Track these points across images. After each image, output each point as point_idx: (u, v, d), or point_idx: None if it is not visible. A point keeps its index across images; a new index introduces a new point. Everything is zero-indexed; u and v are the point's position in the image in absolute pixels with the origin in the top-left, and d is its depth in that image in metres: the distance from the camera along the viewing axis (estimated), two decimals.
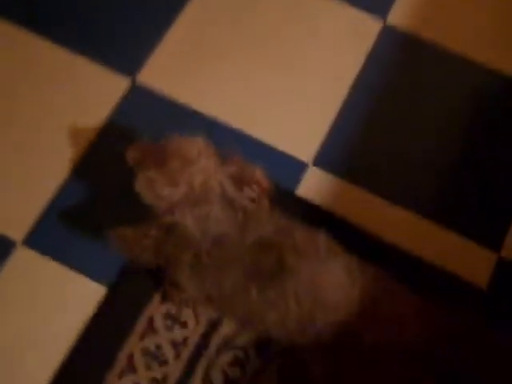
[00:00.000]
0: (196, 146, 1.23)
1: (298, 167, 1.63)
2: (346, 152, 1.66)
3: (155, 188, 1.19)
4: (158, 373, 1.41)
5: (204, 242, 1.22)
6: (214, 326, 1.45)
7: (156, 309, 1.46)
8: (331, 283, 1.24)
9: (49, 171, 1.60)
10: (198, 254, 1.24)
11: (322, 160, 1.65)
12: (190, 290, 1.32)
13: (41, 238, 1.53)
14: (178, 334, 1.44)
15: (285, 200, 1.55)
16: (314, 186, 1.62)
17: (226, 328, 1.44)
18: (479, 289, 1.50)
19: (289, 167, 1.63)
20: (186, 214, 1.19)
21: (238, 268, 1.24)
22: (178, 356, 1.42)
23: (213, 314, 1.45)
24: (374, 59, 1.76)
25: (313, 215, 1.56)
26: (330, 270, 1.25)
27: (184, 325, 1.45)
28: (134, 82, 1.70)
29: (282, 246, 1.24)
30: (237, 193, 1.25)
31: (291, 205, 1.56)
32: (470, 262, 1.54)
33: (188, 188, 1.19)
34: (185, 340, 1.44)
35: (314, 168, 1.64)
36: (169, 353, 1.42)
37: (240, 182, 1.26)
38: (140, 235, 1.24)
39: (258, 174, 1.29)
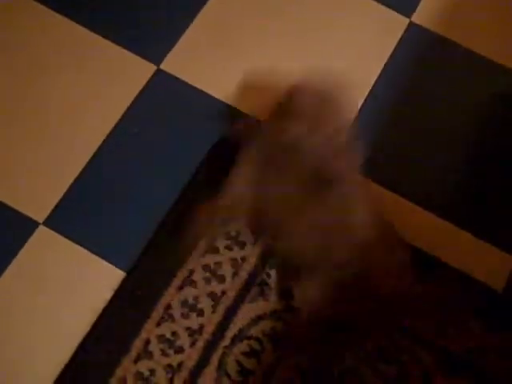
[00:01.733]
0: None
1: None
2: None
3: None
4: (173, 360, 1.42)
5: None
6: (230, 315, 1.46)
7: (173, 296, 1.47)
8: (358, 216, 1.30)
9: (73, 154, 1.61)
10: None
11: None
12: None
13: (62, 220, 1.54)
14: (194, 321, 1.46)
15: None
16: None
17: (242, 318, 1.46)
18: (494, 291, 1.51)
19: None
20: None
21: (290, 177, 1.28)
22: (193, 344, 1.44)
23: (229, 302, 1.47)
24: (399, 57, 1.77)
25: None
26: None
27: (200, 313, 1.46)
28: (158, 69, 1.71)
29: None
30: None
31: None
32: (486, 263, 1.55)
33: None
34: (201, 328, 1.45)
35: None
36: (185, 340, 1.44)
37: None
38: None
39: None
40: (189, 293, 1.47)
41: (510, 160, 1.67)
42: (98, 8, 1.78)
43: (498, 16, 1.84)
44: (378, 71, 1.74)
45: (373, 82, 1.73)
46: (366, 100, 1.71)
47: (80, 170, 1.59)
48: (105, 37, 1.74)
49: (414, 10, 1.82)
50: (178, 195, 1.56)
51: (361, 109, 1.69)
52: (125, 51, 1.73)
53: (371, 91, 1.72)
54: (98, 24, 1.75)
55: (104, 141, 1.62)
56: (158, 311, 1.46)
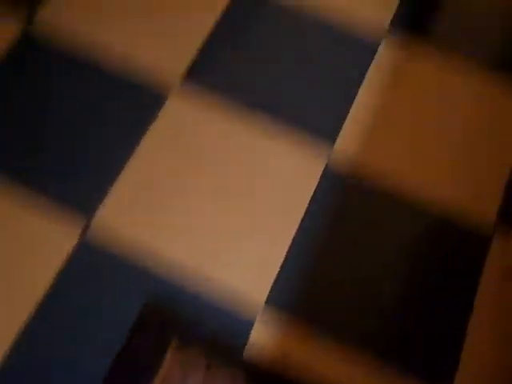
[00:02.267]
0: None
1: (251, 306, 1.65)
2: (298, 290, 1.68)
3: None
4: None
5: None
6: None
7: None
8: None
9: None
10: None
11: (274, 299, 1.66)
12: None
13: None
14: None
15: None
16: (266, 326, 1.63)
17: None
18: None
19: (241, 307, 1.65)
20: None
21: None
22: None
23: None
24: (320, 199, 1.80)
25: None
26: None
27: None
28: (82, 233, 1.72)
29: None
30: None
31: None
32: None
33: None
34: None
35: (267, 307, 1.65)
36: None
37: None
38: None
39: None
40: None
41: (435, 298, 1.69)
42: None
43: (418, 148, 1.89)
44: (302, 214, 1.78)
45: (297, 225, 1.76)
46: (292, 245, 1.73)
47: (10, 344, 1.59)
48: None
49: (331, 152, 1.86)
50: (109, 368, 1.56)
51: (288, 254, 1.72)
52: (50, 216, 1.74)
53: (297, 235, 1.75)
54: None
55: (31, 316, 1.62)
56: None
